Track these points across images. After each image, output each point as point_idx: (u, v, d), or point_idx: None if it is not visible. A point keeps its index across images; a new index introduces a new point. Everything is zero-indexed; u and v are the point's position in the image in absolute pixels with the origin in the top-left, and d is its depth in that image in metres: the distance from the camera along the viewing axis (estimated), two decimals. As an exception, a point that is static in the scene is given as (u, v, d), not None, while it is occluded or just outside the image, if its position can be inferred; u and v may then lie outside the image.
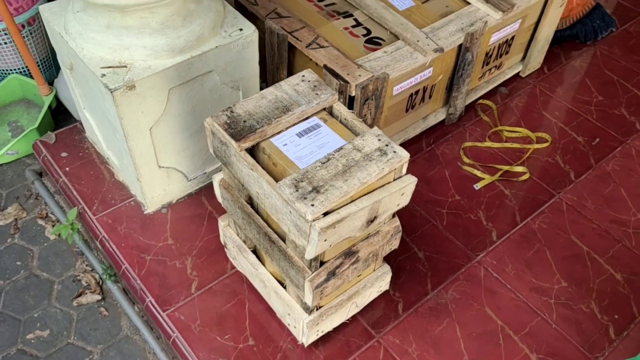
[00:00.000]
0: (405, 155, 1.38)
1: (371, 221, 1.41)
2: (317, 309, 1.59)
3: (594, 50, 2.73)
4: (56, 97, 2.41)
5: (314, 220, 1.27)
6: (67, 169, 2.09)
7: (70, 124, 2.27)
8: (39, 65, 2.42)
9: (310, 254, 1.33)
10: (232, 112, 1.45)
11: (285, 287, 1.64)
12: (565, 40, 2.73)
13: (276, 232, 1.50)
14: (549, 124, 2.37)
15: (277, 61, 2.04)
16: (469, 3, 2.17)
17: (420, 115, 2.24)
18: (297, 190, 1.29)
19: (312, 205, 1.26)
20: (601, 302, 1.84)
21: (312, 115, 1.49)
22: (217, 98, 1.85)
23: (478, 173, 2.16)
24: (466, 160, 2.21)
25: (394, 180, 1.41)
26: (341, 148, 1.38)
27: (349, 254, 1.48)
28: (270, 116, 1.44)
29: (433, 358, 1.69)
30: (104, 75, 1.61)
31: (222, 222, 1.77)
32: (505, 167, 2.19)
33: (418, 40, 1.98)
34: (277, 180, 1.33)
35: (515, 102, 2.45)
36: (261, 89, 1.80)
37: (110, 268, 1.97)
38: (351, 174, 1.33)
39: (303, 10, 2.10)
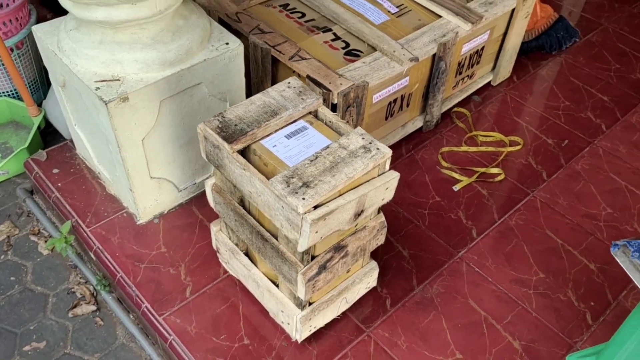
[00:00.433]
0: (387, 151, 1.48)
1: (358, 215, 1.50)
2: (309, 305, 1.66)
3: (559, 59, 2.88)
4: (45, 118, 2.47)
5: (305, 213, 1.35)
6: (59, 184, 2.14)
7: (60, 143, 2.32)
8: (27, 87, 2.48)
9: (302, 246, 1.41)
10: (223, 117, 1.53)
11: (277, 286, 1.71)
12: (532, 51, 2.89)
13: (268, 231, 1.58)
14: (521, 128, 2.50)
15: (261, 74, 2.14)
16: (440, 16, 2.30)
17: (399, 123, 2.35)
18: (288, 186, 1.37)
19: (303, 198, 1.35)
20: (577, 291, 1.94)
21: (299, 118, 1.59)
22: (206, 109, 1.94)
23: (456, 175, 2.27)
24: (444, 164, 2.32)
25: (378, 175, 1.51)
26: (328, 147, 1.47)
27: (339, 248, 1.56)
28: (259, 120, 1.53)
29: (421, 349, 1.77)
30: (98, 88, 1.69)
31: (214, 227, 1.84)
32: (482, 169, 2.30)
33: (394, 51, 2.10)
34: (268, 179, 1.41)
35: (488, 109, 2.58)
36: (248, 99, 1.89)
37: (104, 278, 2.02)
38: (338, 169, 1.42)
39: (284, 26, 2.21)
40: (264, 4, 2.33)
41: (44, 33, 1.86)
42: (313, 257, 1.53)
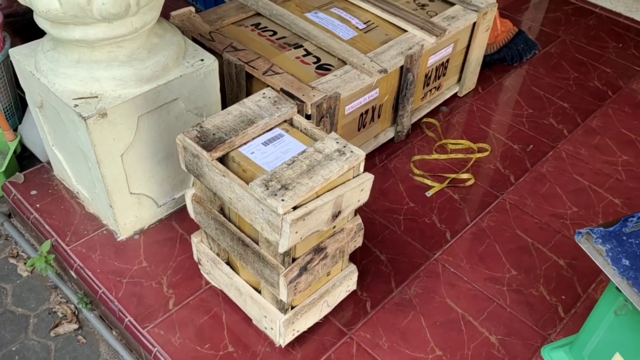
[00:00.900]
0: (361, 154, 1.54)
1: (336, 216, 1.55)
2: (291, 309, 1.70)
3: (520, 70, 3.02)
4: (20, 143, 2.48)
5: (285, 214, 1.40)
6: (37, 205, 2.16)
7: (37, 166, 2.34)
8: (2, 113, 2.49)
9: (283, 247, 1.46)
10: (201, 127, 1.58)
11: (260, 292, 1.74)
12: (495, 63, 3.01)
13: (249, 236, 1.62)
14: (488, 135, 2.60)
15: (236, 90, 2.20)
16: (406, 31, 2.41)
17: (372, 134, 2.42)
18: (267, 189, 1.43)
19: (282, 200, 1.40)
20: (549, 286, 2.02)
21: (275, 126, 1.65)
22: (183, 125, 1.99)
23: (428, 182, 2.35)
24: (416, 171, 2.40)
25: (354, 177, 1.57)
26: (304, 151, 1.53)
27: (318, 250, 1.61)
28: (237, 128, 1.58)
29: (402, 348, 1.81)
30: (76, 105, 1.73)
31: (195, 239, 1.87)
32: (452, 175, 2.38)
33: (364, 64, 2.18)
34: (247, 184, 1.46)
35: (456, 118, 2.69)
36: (224, 113, 1.95)
37: (85, 296, 2.02)
38: (315, 172, 1.48)
39: (257, 44, 2.29)
40: (236, 23, 2.40)
41: (22, 55, 1.90)
42: (294, 260, 1.57)
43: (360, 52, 2.24)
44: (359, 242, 1.75)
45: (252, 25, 2.41)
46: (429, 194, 2.31)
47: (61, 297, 2.08)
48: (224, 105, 2.24)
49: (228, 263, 1.83)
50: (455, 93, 2.79)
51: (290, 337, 1.74)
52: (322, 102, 1.99)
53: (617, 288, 1.52)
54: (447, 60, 2.58)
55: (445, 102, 2.75)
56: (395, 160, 2.45)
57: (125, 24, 1.70)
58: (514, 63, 3.04)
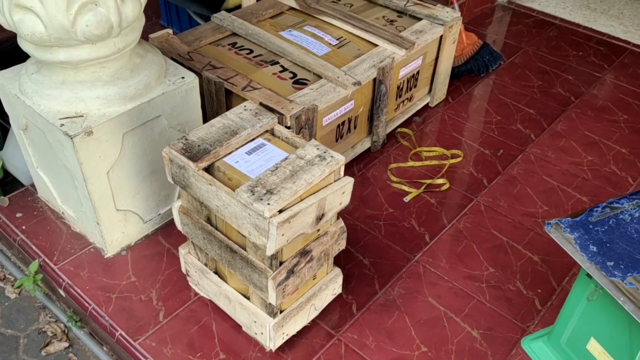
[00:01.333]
0: (340, 158, 1.62)
1: (320, 218, 1.62)
2: (280, 312, 1.75)
3: (487, 80, 3.15)
4: (2, 168, 2.50)
5: (271, 217, 1.47)
6: (23, 227, 2.18)
7: (20, 190, 2.37)
8: (-16, 138, 2.52)
9: (270, 250, 1.52)
10: (186, 139, 1.65)
11: (249, 299, 1.79)
12: (463, 74, 3.15)
13: (236, 243, 1.68)
14: (460, 142, 2.71)
15: (216, 107, 2.27)
16: (377, 45, 2.51)
17: (349, 145, 2.51)
18: (253, 194, 1.49)
19: (268, 204, 1.47)
20: (525, 281, 2.10)
21: (257, 136, 1.72)
22: (166, 141, 2.04)
23: (405, 188, 2.44)
24: (394, 179, 2.49)
25: (335, 181, 1.64)
26: (287, 158, 1.60)
27: (304, 253, 1.67)
28: (221, 139, 1.65)
29: (389, 346, 1.87)
30: (62, 125, 1.78)
31: (182, 251, 1.92)
32: (428, 181, 2.48)
33: (338, 77, 2.28)
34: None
35: (429, 127, 2.79)
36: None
37: (75, 314, 2.04)
38: (298, 177, 1.55)
39: (234, 62, 2.37)
40: (213, 43, 2.48)
41: (5, 79, 1.94)
42: (281, 263, 1.63)
43: (334, 67, 2.34)
44: (342, 245, 1.82)
45: (228, 44, 2.49)
46: (406, 199, 2.40)
47: (50, 317, 2.10)
48: (205, 122, 2.31)
49: (216, 272, 1.87)
50: (427, 104, 2.90)
51: (280, 341, 1.79)
52: (300, 114, 2.07)
53: (587, 275, 1.61)
54: (418, 72, 2.69)
55: (418, 113, 2.86)
56: (372, 169, 2.54)
57: (108, 45, 1.76)
58: (480, 74, 3.17)
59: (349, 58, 2.44)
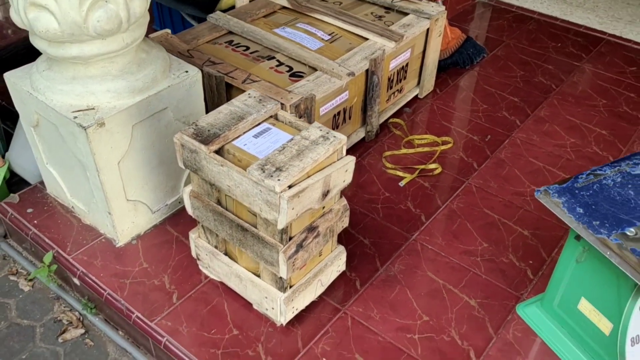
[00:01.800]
0: (343, 138, 1.73)
1: (325, 194, 1.73)
2: (290, 287, 1.85)
3: (473, 72, 3.29)
4: (9, 170, 2.58)
5: (281, 192, 1.57)
6: (35, 221, 2.26)
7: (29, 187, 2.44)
8: (-10, 140, 2.60)
9: (281, 223, 1.62)
10: (197, 125, 1.75)
11: (259, 277, 1.89)
12: (449, 67, 3.28)
13: (247, 222, 1.78)
14: (449, 130, 2.84)
15: (217, 101, 2.37)
16: (367, 39, 2.64)
17: (345, 135, 2.60)
18: (263, 172, 1.59)
19: (279, 179, 1.57)
20: (517, 254, 2.22)
21: (262, 121, 1.82)
22: (172, 133, 2.14)
23: (400, 174, 2.55)
24: (388, 165, 2.60)
25: (338, 159, 1.75)
26: (292, 139, 1.71)
27: (311, 229, 1.78)
28: (229, 124, 1.75)
29: (392, 317, 1.98)
30: (76, 117, 1.87)
31: (192, 235, 2.01)
32: (421, 166, 2.60)
33: (333, 69, 2.39)
34: (244, 170, 1.63)
35: (419, 117, 2.92)
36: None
37: (90, 301, 2.12)
38: (304, 155, 1.66)
39: (232, 58, 2.47)
40: (210, 42, 2.59)
41: (17, 78, 2.03)
42: (290, 238, 1.73)
43: (328, 59, 2.45)
44: (345, 222, 1.93)
45: (225, 42, 2.60)
46: (402, 184, 2.51)
47: (64, 306, 2.17)
48: (207, 116, 2.41)
49: (226, 254, 1.97)
50: (417, 95, 3.03)
51: (290, 315, 1.88)
52: (299, 103, 2.18)
53: (575, 238, 1.74)
54: (407, 65, 2.82)
55: (408, 104, 2.98)
56: (368, 157, 2.65)
57: (117, 40, 1.86)
58: (465, 66, 3.31)
59: (341, 51, 2.56)
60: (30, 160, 2.45)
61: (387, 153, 2.67)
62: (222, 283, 2.05)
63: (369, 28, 2.65)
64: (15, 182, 2.60)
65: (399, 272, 2.14)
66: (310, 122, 2.28)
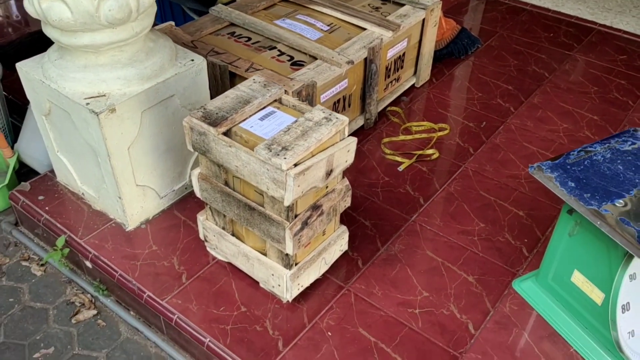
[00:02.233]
0: (344, 119, 1.81)
1: (329, 174, 1.81)
2: (295, 265, 1.93)
3: (467, 62, 3.38)
4: (18, 160, 2.65)
5: (288, 169, 1.65)
6: (46, 208, 2.33)
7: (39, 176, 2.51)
8: (-1, 132, 2.66)
9: (288, 200, 1.70)
10: (205, 109, 1.82)
11: (265, 255, 1.97)
12: (444, 57, 3.37)
13: (254, 202, 1.85)
14: (446, 117, 2.92)
15: (221, 89, 2.44)
16: (365, 29, 2.72)
17: (344, 122, 2.70)
18: (270, 151, 1.67)
19: (285, 158, 1.65)
20: (512, 233, 2.31)
21: (267, 105, 1.90)
22: (179, 120, 2.21)
23: (399, 159, 2.64)
24: (387, 151, 2.68)
25: (340, 140, 1.83)
26: (296, 121, 1.79)
27: (315, 207, 1.86)
28: (235, 108, 1.83)
29: (394, 294, 2.06)
30: (88, 103, 1.94)
31: (200, 217, 2.09)
32: (419, 152, 2.68)
33: (333, 57, 2.47)
34: (252, 151, 1.70)
35: (417, 105, 3.00)
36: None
37: (102, 283, 2.20)
38: (309, 135, 1.74)
39: (235, 48, 2.55)
40: (213, 33, 2.66)
41: (29, 67, 2.10)
42: (296, 216, 1.81)
43: (328, 48, 2.53)
44: (348, 202, 2.01)
45: (228, 33, 2.67)
46: (400, 168, 2.59)
47: (77, 289, 2.24)
48: (212, 104, 2.48)
49: (233, 234, 2.04)
50: (413, 84, 3.11)
51: (296, 292, 1.96)
52: (301, 90, 2.26)
53: (568, 212, 1.82)
54: (404, 54, 2.90)
55: (405, 93, 3.07)
56: (367, 144, 2.74)
57: (127, 29, 1.94)
58: (460, 56, 3.40)
59: (340, 41, 2.64)
60: (39, 151, 2.52)
61: (386, 140, 2.75)
62: (229, 264, 2.12)
63: (366, 18, 2.73)
64: (24, 172, 2.67)
65: (399, 251, 2.22)
66: (311, 108, 2.35)
